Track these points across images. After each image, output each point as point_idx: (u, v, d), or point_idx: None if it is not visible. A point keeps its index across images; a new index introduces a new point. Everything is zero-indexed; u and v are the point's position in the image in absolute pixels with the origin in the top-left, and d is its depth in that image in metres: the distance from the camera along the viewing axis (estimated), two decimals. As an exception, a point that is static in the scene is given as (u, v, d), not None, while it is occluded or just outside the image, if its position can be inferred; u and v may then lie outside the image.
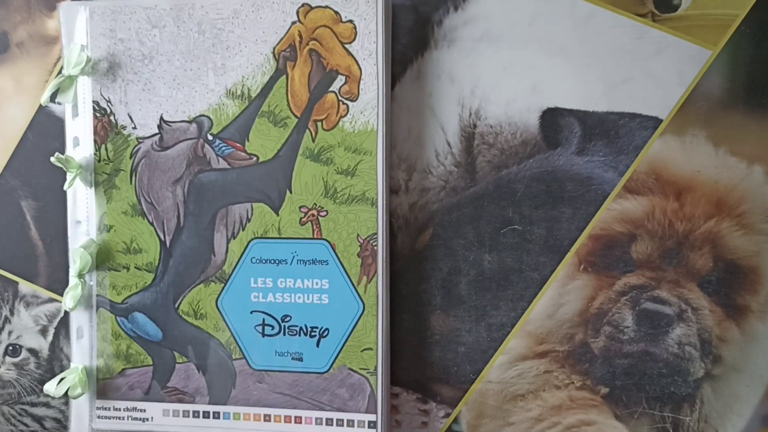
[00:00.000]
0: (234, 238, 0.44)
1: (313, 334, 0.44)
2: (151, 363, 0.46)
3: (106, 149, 0.45)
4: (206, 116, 0.44)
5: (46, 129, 0.47)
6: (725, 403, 0.42)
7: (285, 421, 0.44)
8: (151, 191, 0.45)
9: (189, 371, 0.45)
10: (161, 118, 0.44)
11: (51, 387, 0.45)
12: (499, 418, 0.44)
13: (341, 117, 0.42)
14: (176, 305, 0.45)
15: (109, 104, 0.45)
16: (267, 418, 0.44)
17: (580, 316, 0.43)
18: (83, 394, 0.46)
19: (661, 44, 0.41)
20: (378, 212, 0.42)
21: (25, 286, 0.49)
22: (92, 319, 0.46)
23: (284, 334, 0.44)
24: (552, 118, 0.42)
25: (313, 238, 0.43)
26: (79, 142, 0.46)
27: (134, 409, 0.46)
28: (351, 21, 0.42)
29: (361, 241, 0.43)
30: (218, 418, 0.45)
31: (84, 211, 0.46)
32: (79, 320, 0.46)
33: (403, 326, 0.44)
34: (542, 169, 0.42)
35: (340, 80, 0.42)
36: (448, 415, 0.45)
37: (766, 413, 0.42)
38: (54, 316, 0.48)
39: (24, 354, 0.49)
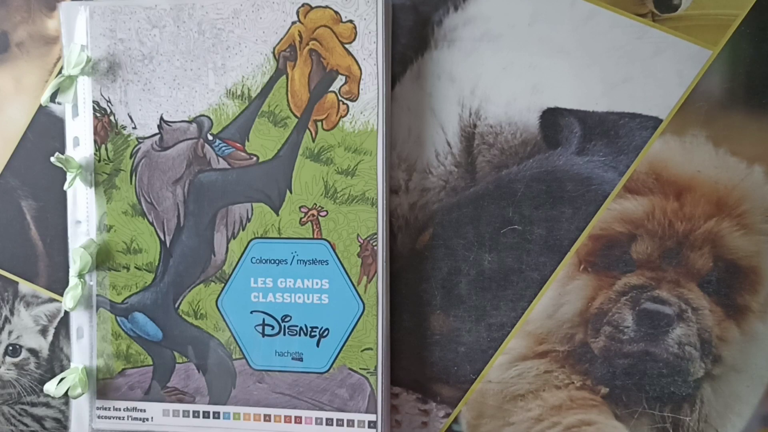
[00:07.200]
0: (234, 238, 0.44)
1: (313, 334, 0.44)
2: (151, 363, 0.46)
3: (106, 149, 0.45)
4: (206, 116, 0.44)
5: (46, 129, 0.47)
6: (725, 403, 0.42)
7: (285, 421, 0.44)
8: (151, 191, 0.45)
9: (189, 371, 0.45)
10: (161, 118, 0.44)
11: (51, 387, 0.45)
12: (499, 418, 0.44)
13: (341, 117, 0.42)
14: (176, 305, 0.45)
15: (109, 104, 0.45)
16: (267, 418, 0.44)
17: (580, 316, 0.43)
18: (83, 394, 0.46)
19: (661, 44, 0.41)
20: (378, 212, 0.42)
21: (25, 286, 0.49)
22: (92, 319, 0.46)
23: (284, 334, 0.44)
24: (552, 118, 0.42)
25: (313, 238, 0.43)
26: (79, 142, 0.46)
27: (134, 409, 0.46)
28: (351, 21, 0.42)
29: (361, 241, 0.43)
30: (218, 418, 0.45)
31: (84, 211, 0.46)
32: (79, 320, 0.46)
33: (403, 326, 0.44)
34: (542, 169, 0.42)
35: (340, 80, 0.42)
36: (448, 415, 0.45)
37: (766, 413, 0.42)
38: (54, 316, 0.48)
39: (24, 354, 0.49)
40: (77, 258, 0.44)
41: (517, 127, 0.42)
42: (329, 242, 0.43)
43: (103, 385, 0.46)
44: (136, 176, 0.45)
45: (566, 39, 0.42)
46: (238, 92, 0.43)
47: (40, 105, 0.47)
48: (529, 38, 0.42)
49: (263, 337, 0.44)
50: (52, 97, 0.45)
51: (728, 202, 0.41)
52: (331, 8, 0.42)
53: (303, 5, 0.42)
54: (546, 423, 0.43)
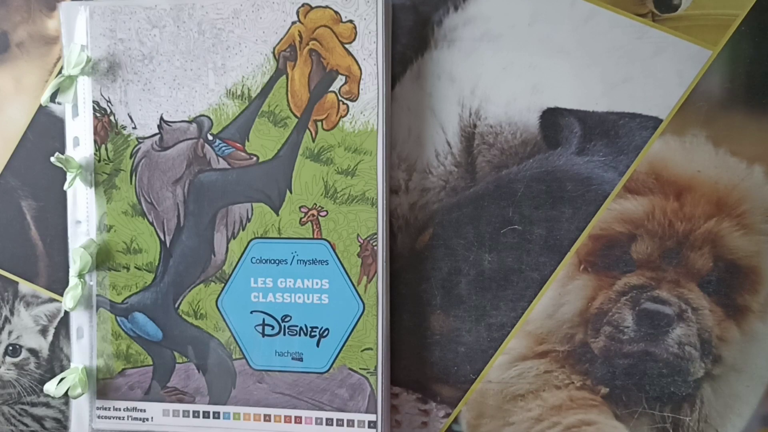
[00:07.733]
0: (234, 238, 0.44)
1: (313, 334, 0.44)
2: (151, 363, 0.46)
3: (106, 149, 0.45)
4: (206, 116, 0.44)
5: (46, 129, 0.47)
6: (725, 403, 0.42)
7: (285, 421, 0.44)
8: (151, 191, 0.45)
9: (189, 371, 0.45)
10: (161, 118, 0.44)
11: (51, 387, 0.45)
12: (499, 418, 0.44)
13: (341, 117, 0.42)
14: (176, 305, 0.45)
15: (109, 104, 0.45)
16: (267, 418, 0.44)
17: (580, 316, 0.43)
18: (83, 394, 0.46)
19: (661, 44, 0.41)
20: (378, 212, 0.42)
21: (25, 286, 0.49)
22: (92, 319, 0.46)
23: (284, 334, 0.44)
24: (552, 118, 0.42)
25: (313, 238, 0.43)
26: (79, 142, 0.46)
27: (134, 409, 0.46)
28: (351, 21, 0.42)
29: (361, 241, 0.43)
30: (218, 418, 0.45)
31: (84, 211, 0.46)
32: (79, 320, 0.46)
33: (403, 326, 0.44)
34: (542, 169, 0.42)
35: (340, 80, 0.42)
36: (448, 415, 0.45)
37: (766, 413, 0.42)
38: (54, 316, 0.48)
39: (24, 354, 0.49)
40: (77, 258, 0.44)
41: (517, 127, 0.42)
42: (329, 242, 0.43)
43: (103, 385, 0.46)
44: (136, 176, 0.45)
45: (566, 39, 0.42)
46: (238, 92, 0.43)
47: (40, 105, 0.47)
48: (529, 38, 0.42)
49: (263, 337, 0.44)
50: (52, 97, 0.45)
51: (728, 202, 0.41)
52: (331, 8, 0.42)
53: (303, 5, 0.42)
54: (546, 423, 0.43)
